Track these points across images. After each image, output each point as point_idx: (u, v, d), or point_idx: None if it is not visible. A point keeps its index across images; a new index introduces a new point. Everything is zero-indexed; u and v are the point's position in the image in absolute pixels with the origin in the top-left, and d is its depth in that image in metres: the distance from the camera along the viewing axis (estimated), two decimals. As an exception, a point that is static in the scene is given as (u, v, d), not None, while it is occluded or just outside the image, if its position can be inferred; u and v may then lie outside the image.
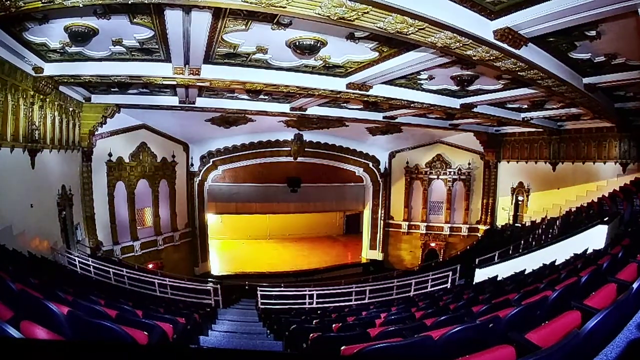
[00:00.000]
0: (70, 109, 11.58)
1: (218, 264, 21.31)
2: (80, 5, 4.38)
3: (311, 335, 4.42)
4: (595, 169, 15.91)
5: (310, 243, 26.49)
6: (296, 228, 27.67)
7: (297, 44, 6.72)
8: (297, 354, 4.18)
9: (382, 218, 22.81)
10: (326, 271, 20.52)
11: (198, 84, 9.15)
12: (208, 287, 11.59)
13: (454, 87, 10.23)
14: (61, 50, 7.62)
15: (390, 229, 22.70)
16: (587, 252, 7.79)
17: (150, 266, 15.48)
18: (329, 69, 8.74)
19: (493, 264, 10.37)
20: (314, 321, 6.52)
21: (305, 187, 21.24)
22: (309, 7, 4.23)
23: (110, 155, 14.38)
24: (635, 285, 2.70)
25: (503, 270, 9.42)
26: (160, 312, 5.96)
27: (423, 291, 11.13)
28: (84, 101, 12.27)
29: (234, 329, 7.61)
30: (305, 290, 11.13)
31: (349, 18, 4.42)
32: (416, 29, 4.80)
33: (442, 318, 4.07)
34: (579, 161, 16.47)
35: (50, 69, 8.48)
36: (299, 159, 20.75)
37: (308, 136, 20.32)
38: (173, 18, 5.50)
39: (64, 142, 11.29)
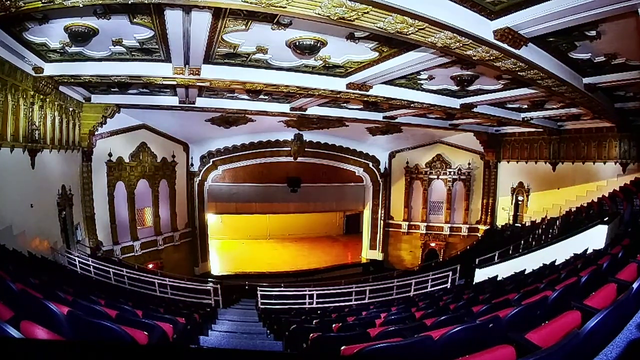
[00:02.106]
0: (70, 109, 11.58)
1: (218, 264, 21.31)
2: (80, 5, 4.38)
3: (311, 335, 4.42)
4: (595, 169, 15.90)
5: (310, 243, 26.49)
6: (296, 228, 27.67)
7: (297, 44, 6.72)
8: (297, 354, 4.18)
9: (382, 218, 22.80)
10: (326, 271, 20.53)
11: (198, 84, 9.15)
12: (208, 287, 11.59)
13: (454, 87, 10.23)
14: (61, 50, 7.62)
15: (390, 229, 22.70)
16: (587, 252, 7.79)
17: (150, 266, 15.48)
18: (329, 69, 8.74)
19: (493, 264, 10.36)
20: (314, 321, 6.51)
21: (305, 187, 21.23)
22: (309, 7, 4.23)
23: (110, 155, 14.38)
24: (635, 285, 2.70)
25: (503, 270, 9.42)
26: (160, 312, 5.96)
27: (423, 291, 11.13)
28: (84, 101, 12.27)
29: (234, 329, 7.61)
30: (305, 290, 11.13)
31: (349, 18, 4.42)
32: (416, 29, 4.80)
33: (442, 318, 4.07)
34: (579, 161, 16.47)
35: (50, 69, 8.48)
36: (299, 159, 20.75)
37: (308, 136, 20.32)
38: (173, 18, 5.50)
39: (64, 142, 11.29)
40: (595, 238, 8.45)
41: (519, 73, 6.89)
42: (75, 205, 12.00)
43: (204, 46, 6.80)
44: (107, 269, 10.24)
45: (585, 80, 8.65)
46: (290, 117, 15.92)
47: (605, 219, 8.89)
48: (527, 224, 17.48)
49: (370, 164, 22.53)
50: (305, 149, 20.57)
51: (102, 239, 13.90)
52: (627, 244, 6.40)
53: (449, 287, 10.95)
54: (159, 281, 10.86)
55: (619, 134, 15.02)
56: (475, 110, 12.42)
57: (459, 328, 2.93)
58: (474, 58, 5.96)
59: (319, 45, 6.79)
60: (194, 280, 14.11)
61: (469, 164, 20.72)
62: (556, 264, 8.09)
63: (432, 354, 2.82)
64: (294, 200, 21.49)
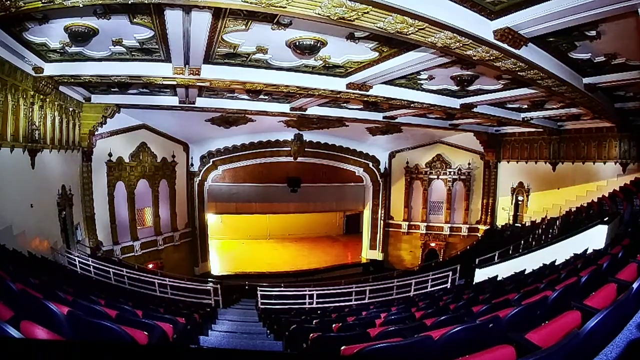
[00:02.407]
0: (70, 109, 11.58)
1: (218, 264, 21.31)
2: (80, 5, 4.38)
3: (311, 335, 4.41)
4: (595, 169, 15.91)
5: (310, 243, 26.49)
6: (296, 228, 27.67)
7: (297, 44, 6.72)
8: (297, 354, 4.18)
9: (382, 218, 22.80)
10: (326, 271, 20.53)
11: (198, 84, 9.15)
12: (208, 287, 11.60)
13: (454, 87, 10.22)
14: (61, 50, 7.62)
15: (390, 229, 22.70)
16: (587, 252, 7.79)
17: (150, 266, 15.48)
18: (329, 69, 8.74)
19: (493, 264, 10.36)
20: (314, 321, 6.51)
21: (305, 187, 21.24)
22: (309, 7, 4.24)
23: (110, 155, 14.39)
24: (635, 285, 2.70)
25: (503, 270, 9.42)
26: (160, 312, 5.96)
27: (423, 291, 11.13)
28: (84, 101, 12.27)
29: (234, 329, 7.61)
30: (305, 290, 11.13)
31: (349, 18, 4.42)
32: (416, 29, 4.80)
33: (442, 318, 4.07)
34: (579, 161, 16.48)
35: (50, 69, 8.48)
36: (299, 159, 20.75)
37: (308, 136, 20.33)
38: (173, 18, 5.50)
39: (64, 142, 11.28)
40: (595, 238, 8.45)
41: (519, 73, 6.89)
42: (75, 205, 12.00)
43: (204, 46, 6.80)
44: (107, 269, 10.24)
45: (585, 80, 8.65)
46: (290, 117, 15.92)
47: (605, 219, 8.89)
48: (527, 224, 17.48)
49: (370, 164, 22.53)
50: (305, 149, 20.57)
51: (102, 239, 13.90)
52: (627, 244, 6.40)
53: (449, 287, 10.95)
54: (159, 281, 10.86)
55: (619, 134, 15.02)
56: (475, 110, 12.42)
57: (459, 328, 2.93)
58: (474, 58, 5.96)
59: (319, 45, 6.79)
60: (194, 280, 14.11)
61: (469, 164, 20.72)
62: (556, 264, 8.09)
63: (432, 354, 2.82)
64: (294, 200, 21.49)
